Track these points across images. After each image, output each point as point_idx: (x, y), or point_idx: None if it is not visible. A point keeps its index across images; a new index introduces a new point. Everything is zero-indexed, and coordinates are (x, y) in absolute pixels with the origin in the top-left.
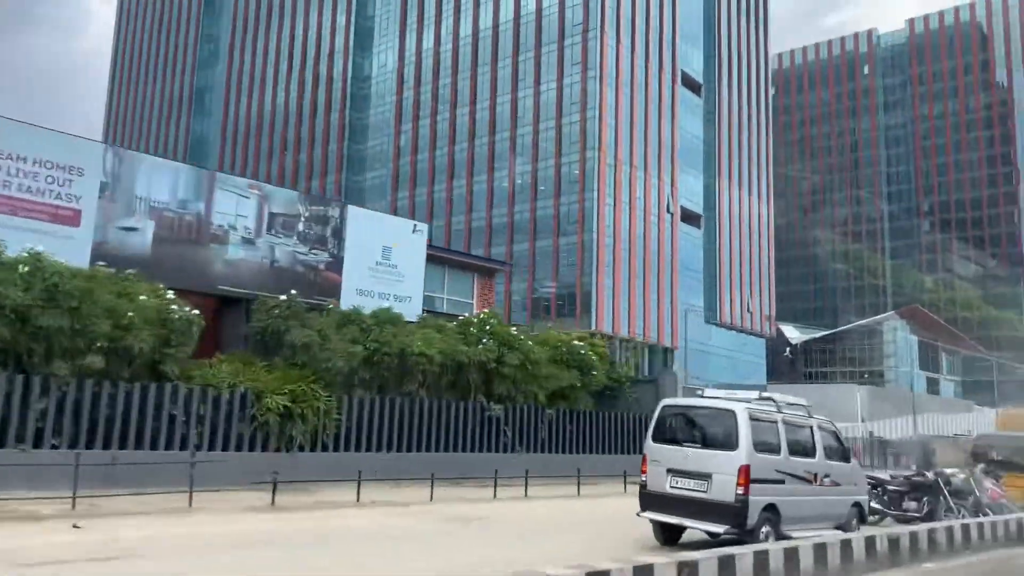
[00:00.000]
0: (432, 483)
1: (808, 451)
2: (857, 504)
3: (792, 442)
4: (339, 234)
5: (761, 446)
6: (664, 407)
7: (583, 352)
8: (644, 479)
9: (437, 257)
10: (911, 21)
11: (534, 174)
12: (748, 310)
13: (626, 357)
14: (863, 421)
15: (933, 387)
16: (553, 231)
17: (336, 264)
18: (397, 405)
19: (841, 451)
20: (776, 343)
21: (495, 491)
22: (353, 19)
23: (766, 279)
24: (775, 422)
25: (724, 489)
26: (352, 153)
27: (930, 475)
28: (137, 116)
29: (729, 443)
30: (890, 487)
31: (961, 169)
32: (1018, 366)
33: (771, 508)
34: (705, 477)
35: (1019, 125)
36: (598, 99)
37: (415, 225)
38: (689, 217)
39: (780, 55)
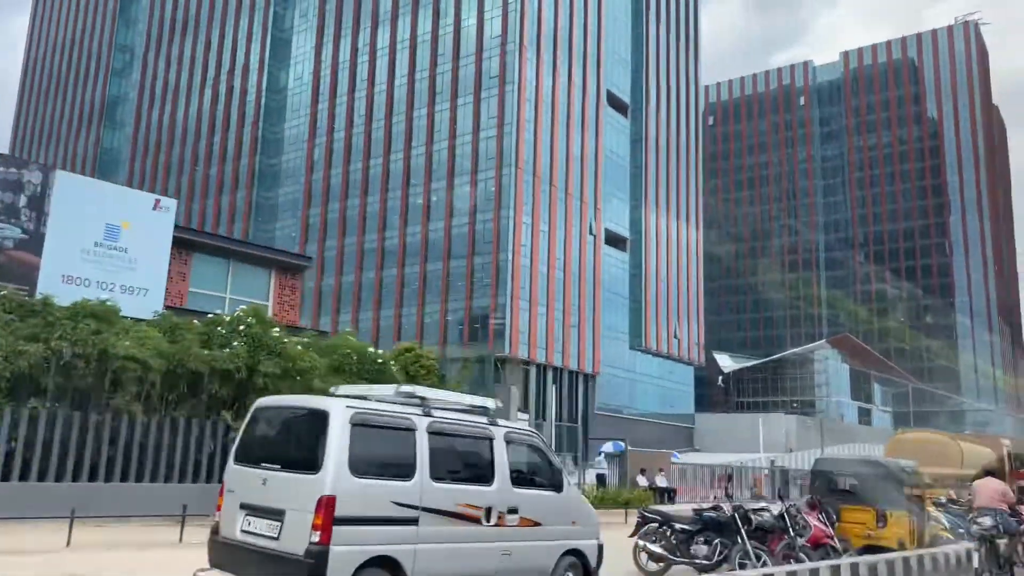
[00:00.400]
0: (71, 523)
1: (478, 474)
2: (575, 553)
3: (443, 460)
4: (40, 205)
5: (371, 466)
6: (256, 409)
7: (380, 362)
8: (217, 517)
9: (219, 248)
10: (845, 54)
11: (449, 191)
12: (675, 336)
13: (459, 368)
14: (789, 451)
15: (865, 417)
16: (468, 251)
17: (34, 242)
18: (94, 422)
19: (549, 475)
20: (711, 372)
21: (181, 532)
22: (270, 30)
23: (695, 306)
24: (411, 430)
25: (296, 533)
26: (264, 168)
27: (727, 508)
28: (47, 128)
29: (313, 462)
30: (678, 526)
31: (894, 200)
32: (950, 396)
33: (386, 564)
34: (278, 515)
35: (949, 157)
36: (516, 114)
37: (158, 200)
38: (615, 240)
39: (719, 85)
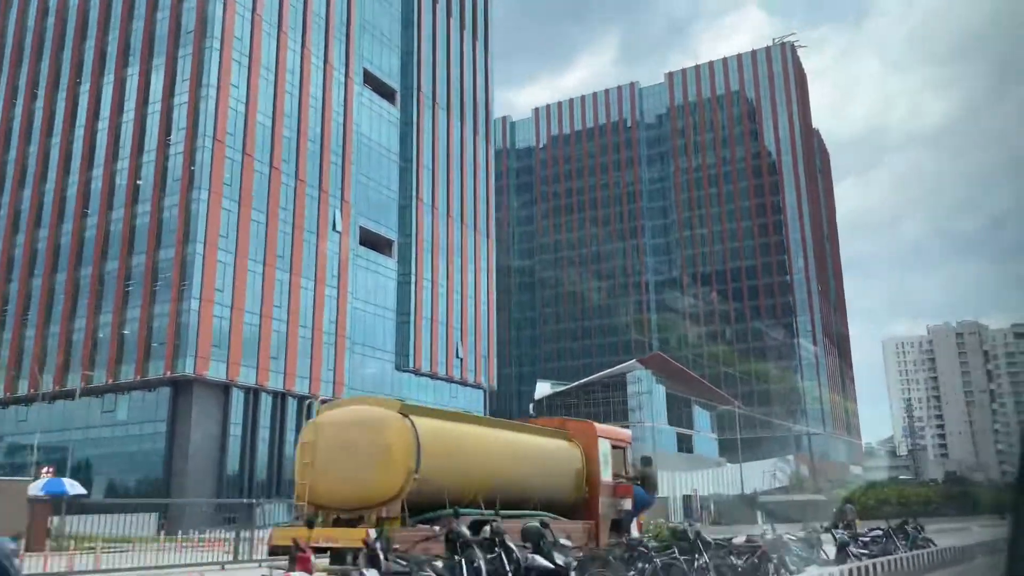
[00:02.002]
0: None
1: None
2: None
3: None
4: None
5: None
6: None
7: None
8: None
9: None
10: (670, 76)
11: (133, 171)
12: (458, 357)
13: None
14: None
15: (687, 444)
16: (149, 245)
17: None
18: None
19: None
20: (530, 400)
21: None
22: None
23: (484, 323)
24: None
25: None
26: None
27: None
28: None
29: None
30: None
31: (720, 221)
32: (782, 422)
33: None
34: None
35: (772, 177)
36: (216, 76)
37: None
38: (376, 242)
39: (548, 108)
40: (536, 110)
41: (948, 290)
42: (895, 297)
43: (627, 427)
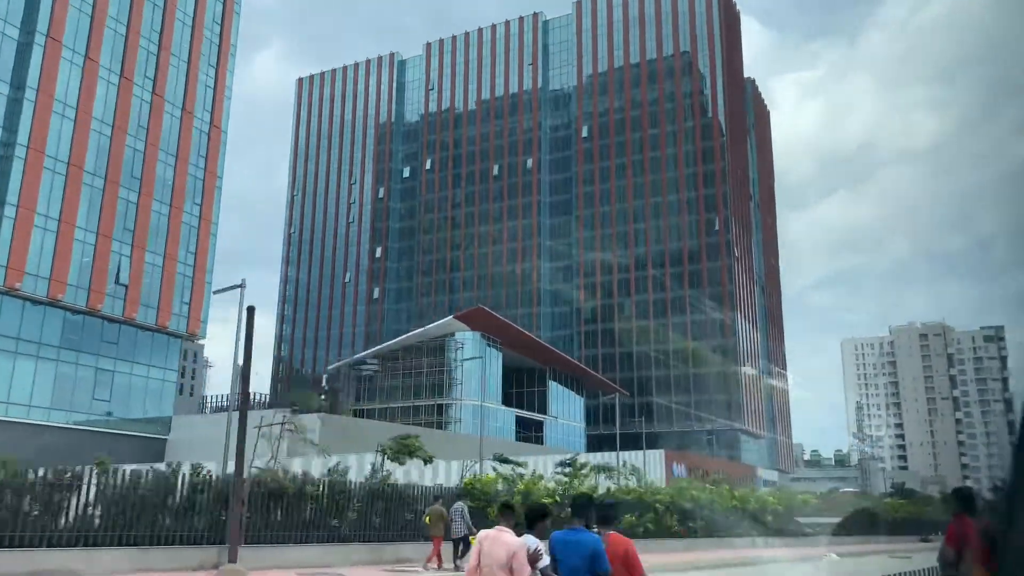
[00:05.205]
0: None
1: None
2: None
3: None
4: None
5: None
6: None
7: None
8: None
9: None
10: (578, 5)
11: None
12: (118, 282)
13: None
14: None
15: (531, 431)
16: None
17: None
18: None
19: None
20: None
21: None
22: None
23: (187, 242)
24: None
25: None
26: None
27: None
28: None
29: None
30: None
31: (624, 175)
32: (690, 410)
33: None
34: None
35: (687, 120)
36: None
37: None
38: None
39: (441, 42)
40: (428, 45)
41: (934, 307)
42: (880, 311)
43: (441, 406)
